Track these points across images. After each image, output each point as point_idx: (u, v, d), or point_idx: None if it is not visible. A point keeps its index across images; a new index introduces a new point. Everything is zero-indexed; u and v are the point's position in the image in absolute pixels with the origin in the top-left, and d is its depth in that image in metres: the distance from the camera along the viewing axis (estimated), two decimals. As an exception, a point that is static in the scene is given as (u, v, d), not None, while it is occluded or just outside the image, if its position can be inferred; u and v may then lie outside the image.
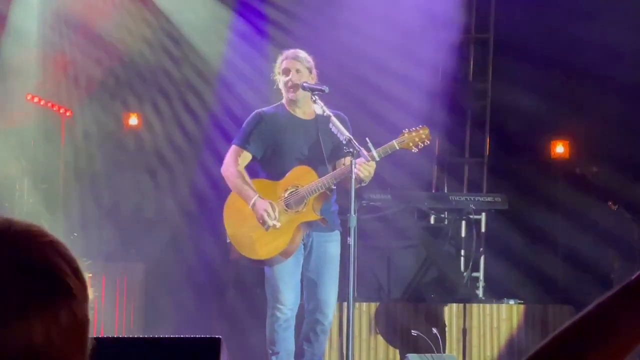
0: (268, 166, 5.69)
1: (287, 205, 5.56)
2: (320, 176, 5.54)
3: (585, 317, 1.23)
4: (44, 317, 1.13)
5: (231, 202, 5.70)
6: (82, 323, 1.17)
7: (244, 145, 5.67)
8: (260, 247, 5.57)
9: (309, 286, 5.62)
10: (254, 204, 5.52)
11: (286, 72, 5.63)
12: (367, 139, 5.39)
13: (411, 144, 5.54)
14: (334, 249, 5.64)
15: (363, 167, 5.31)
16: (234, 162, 5.65)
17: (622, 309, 1.22)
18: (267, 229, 5.53)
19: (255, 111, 5.79)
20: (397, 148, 5.51)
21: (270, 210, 5.50)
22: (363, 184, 5.42)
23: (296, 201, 5.55)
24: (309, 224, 5.58)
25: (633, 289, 1.22)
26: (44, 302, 1.14)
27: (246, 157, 5.67)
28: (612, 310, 1.22)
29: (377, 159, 5.40)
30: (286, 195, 5.57)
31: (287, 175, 5.59)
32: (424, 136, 5.58)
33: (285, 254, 5.53)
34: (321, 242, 5.62)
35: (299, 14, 8.64)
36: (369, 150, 5.37)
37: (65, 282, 1.16)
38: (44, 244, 1.18)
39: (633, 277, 1.22)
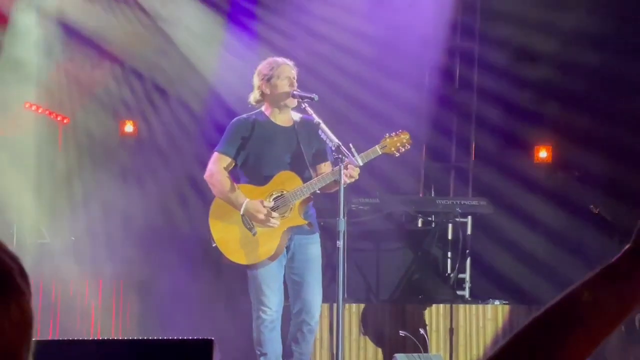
0: (250, 172, 5.71)
1: (272, 210, 5.60)
2: (304, 181, 5.59)
3: (570, 296, 1.24)
4: None
5: (216, 208, 5.73)
6: (29, 318, 1.22)
7: (226, 151, 5.71)
8: (249, 253, 5.61)
9: (294, 288, 5.68)
10: (245, 208, 5.57)
11: (289, 79, 5.67)
12: (350, 144, 5.41)
13: (393, 149, 5.62)
14: (315, 250, 5.71)
15: (349, 173, 5.36)
16: (219, 169, 5.67)
17: (606, 286, 1.23)
18: (254, 234, 5.59)
19: (236, 118, 5.83)
20: (380, 153, 5.59)
21: (264, 210, 5.56)
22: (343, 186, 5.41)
23: (282, 206, 5.61)
24: (294, 228, 5.64)
25: (615, 269, 1.24)
26: None
27: (229, 163, 5.71)
28: (596, 289, 1.23)
29: (361, 164, 5.43)
30: (271, 201, 5.62)
31: (271, 180, 5.63)
32: (404, 140, 5.67)
33: (272, 258, 5.60)
34: (303, 245, 5.68)
35: (287, 15, 8.75)
36: (352, 155, 5.39)
37: (14, 279, 1.22)
38: None
39: (615, 258, 1.25)
